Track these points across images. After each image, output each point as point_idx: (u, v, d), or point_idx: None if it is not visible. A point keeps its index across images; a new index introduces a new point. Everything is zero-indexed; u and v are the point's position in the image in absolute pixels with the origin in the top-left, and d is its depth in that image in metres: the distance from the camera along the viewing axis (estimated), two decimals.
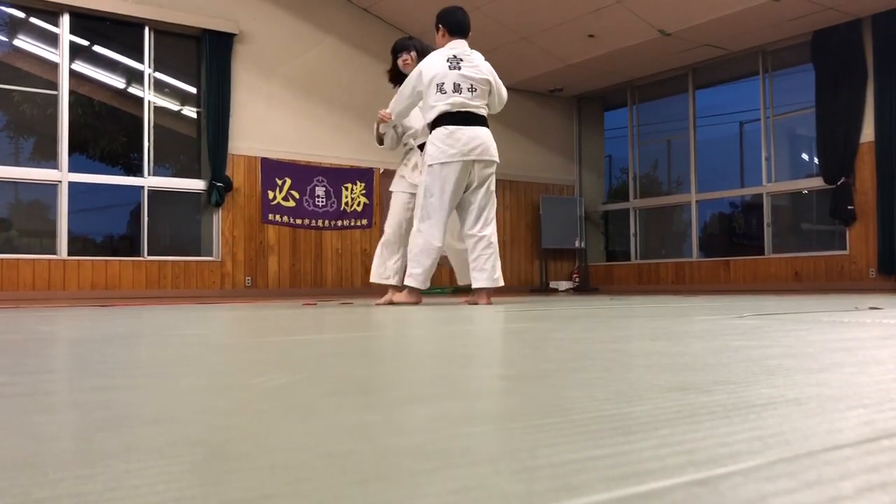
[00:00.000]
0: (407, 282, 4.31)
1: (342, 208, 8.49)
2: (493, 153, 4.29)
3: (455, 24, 4.39)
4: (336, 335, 2.04)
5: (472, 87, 4.25)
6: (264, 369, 1.19)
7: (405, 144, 4.80)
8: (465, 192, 4.28)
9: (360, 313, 3.31)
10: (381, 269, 4.67)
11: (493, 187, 4.33)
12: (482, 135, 4.24)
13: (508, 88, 9.90)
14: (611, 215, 10.79)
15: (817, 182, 8.20)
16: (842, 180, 7.79)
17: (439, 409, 0.76)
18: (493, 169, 4.32)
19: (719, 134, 10.00)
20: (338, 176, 8.44)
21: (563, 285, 10.03)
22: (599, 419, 0.67)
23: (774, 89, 8.74)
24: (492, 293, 4.35)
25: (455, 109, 4.19)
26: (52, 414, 0.76)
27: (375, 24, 8.88)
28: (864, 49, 7.69)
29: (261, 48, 8.13)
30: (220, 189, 7.73)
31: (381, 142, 4.76)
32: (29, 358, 1.41)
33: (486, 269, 4.27)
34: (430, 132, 4.26)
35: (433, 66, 4.27)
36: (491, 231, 4.32)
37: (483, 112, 4.32)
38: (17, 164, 7.31)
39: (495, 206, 4.36)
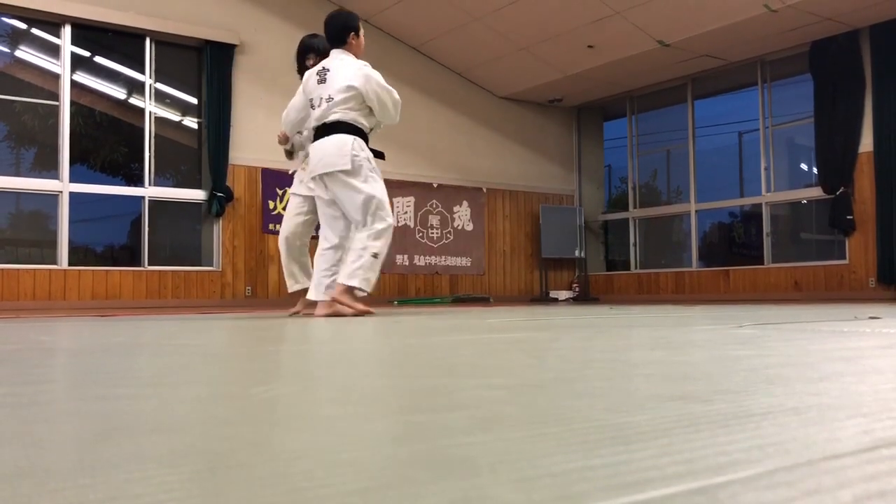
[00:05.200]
0: (365, 286, 4.05)
1: None
2: (331, 163, 4.06)
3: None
4: (335, 345, 2.04)
5: (329, 98, 4.12)
6: (265, 379, 1.19)
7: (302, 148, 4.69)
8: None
9: (358, 323, 3.31)
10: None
11: (342, 196, 4.12)
12: (325, 146, 4.09)
13: (508, 98, 10.06)
14: (610, 225, 10.79)
15: (816, 192, 8.21)
16: (841, 190, 7.81)
17: (439, 418, 0.76)
18: (337, 179, 4.08)
19: (718, 144, 10.03)
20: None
21: (563, 295, 10.02)
22: (599, 428, 0.67)
23: (773, 99, 8.76)
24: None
25: (317, 124, 4.16)
26: (52, 424, 0.76)
27: (375, 34, 8.90)
28: (862, 59, 7.72)
29: (262, 59, 8.15)
30: (220, 199, 7.74)
31: (290, 156, 4.76)
32: (30, 368, 1.41)
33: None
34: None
35: (307, 81, 4.28)
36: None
37: (335, 118, 4.10)
38: (18, 174, 7.33)
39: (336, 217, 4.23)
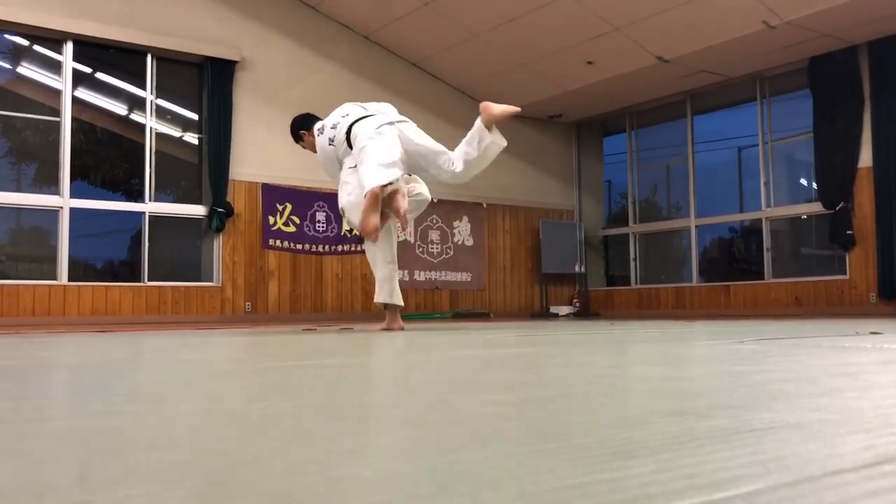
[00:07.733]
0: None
1: (343, 233, 8.51)
2: None
3: (313, 123, 4.80)
4: (336, 361, 2.03)
5: (334, 126, 4.56)
6: (264, 395, 1.19)
7: None
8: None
9: (359, 339, 3.31)
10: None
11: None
12: None
13: None
14: (611, 240, 10.80)
15: (816, 207, 8.22)
16: (840, 205, 7.82)
17: (440, 434, 0.75)
18: None
19: (718, 159, 10.05)
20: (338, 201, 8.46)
21: (564, 310, 10.01)
22: (600, 443, 0.67)
23: (772, 115, 8.79)
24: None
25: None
26: (52, 439, 0.76)
27: (375, 50, 8.96)
28: (860, 75, 7.75)
29: (262, 75, 8.19)
30: (220, 215, 7.75)
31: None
32: (29, 384, 1.41)
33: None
34: None
35: (322, 152, 4.70)
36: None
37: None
38: (18, 190, 7.34)
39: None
